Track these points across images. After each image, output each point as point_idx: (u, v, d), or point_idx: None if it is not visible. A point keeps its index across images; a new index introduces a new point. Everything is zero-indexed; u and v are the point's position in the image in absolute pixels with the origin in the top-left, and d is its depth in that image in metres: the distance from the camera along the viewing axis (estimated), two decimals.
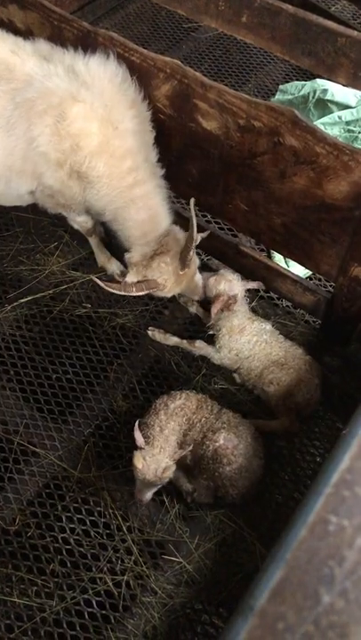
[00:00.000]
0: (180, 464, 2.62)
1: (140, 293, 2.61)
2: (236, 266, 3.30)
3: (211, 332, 3.08)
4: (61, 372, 3.13)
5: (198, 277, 2.93)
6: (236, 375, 3.06)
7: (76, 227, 3.17)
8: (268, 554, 1.67)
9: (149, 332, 3.22)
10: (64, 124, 2.44)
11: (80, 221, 3.09)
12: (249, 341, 2.97)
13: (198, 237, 2.72)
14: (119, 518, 2.67)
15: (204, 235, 2.85)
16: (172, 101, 2.73)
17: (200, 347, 3.10)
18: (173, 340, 3.17)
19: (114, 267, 3.41)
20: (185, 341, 3.14)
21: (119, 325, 3.29)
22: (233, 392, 3.05)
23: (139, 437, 2.50)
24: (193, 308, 3.32)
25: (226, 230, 3.69)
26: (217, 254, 3.41)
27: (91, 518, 2.69)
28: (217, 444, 2.56)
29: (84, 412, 3.01)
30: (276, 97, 4.17)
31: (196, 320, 3.32)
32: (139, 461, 2.44)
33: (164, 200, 2.73)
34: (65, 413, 3.00)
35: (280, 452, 2.85)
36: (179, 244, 2.66)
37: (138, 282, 2.62)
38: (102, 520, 2.68)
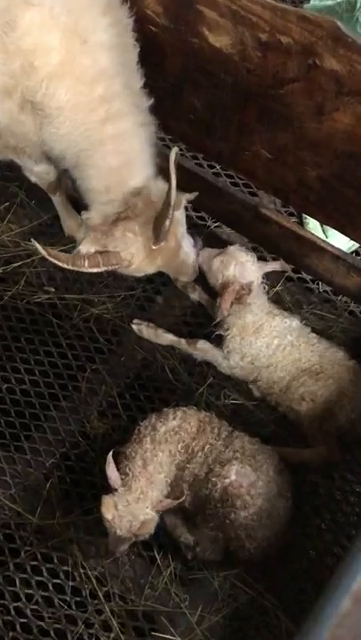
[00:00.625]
0: (177, 508, 2.62)
1: (95, 270, 2.59)
2: (254, 235, 3.29)
3: (218, 332, 3.07)
4: (14, 382, 3.12)
5: (186, 253, 2.92)
6: (253, 387, 3.07)
7: (33, 180, 3.16)
8: (298, 631, 1.67)
9: (135, 327, 3.22)
10: (13, 36, 2.42)
11: (39, 172, 3.08)
12: (268, 345, 2.97)
13: (183, 200, 2.70)
14: (93, 581, 2.66)
15: (191, 197, 2.83)
16: (166, 7, 2.72)
17: (203, 349, 3.10)
18: (168, 339, 3.17)
19: None
20: (183, 340, 3.14)
21: (94, 317, 3.27)
22: (250, 409, 3.04)
23: (112, 474, 2.50)
24: (195, 295, 3.31)
25: (241, 187, 3.66)
26: (229, 220, 3.39)
27: (55, 581, 2.69)
28: (227, 480, 2.55)
29: (46, 435, 3.00)
30: (312, 3, 4.16)
31: (200, 311, 3.30)
32: (108, 510, 2.46)
33: (145, 144, 2.71)
34: (19, 438, 2.99)
35: (315, 491, 2.85)
36: (153, 208, 2.64)
37: (94, 253, 2.62)
38: (70, 583, 2.67)
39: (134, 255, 2.66)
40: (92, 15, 2.53)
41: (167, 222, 2.52)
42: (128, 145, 2.64)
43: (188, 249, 2.93)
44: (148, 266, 2.75)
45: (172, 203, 2.48)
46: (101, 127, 2.58)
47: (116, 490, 2.49)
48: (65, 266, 2.56)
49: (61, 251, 2.77)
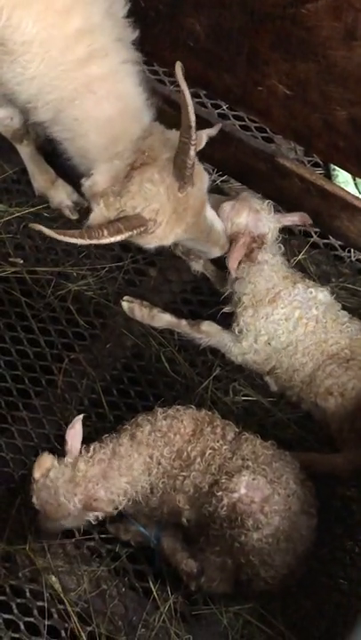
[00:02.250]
0: (175, 528, 2.63)
1: (118, 238, 2.61)
2: (270, 192, 3.27)
3: (227, 309, 3.08)
4: None
5: (212, 214, 2.94)
6: (270, 380, 3.07)
7: None
8: None
9: (125, 306, 3.21)
10: None
11: (0, 118, 3.11)
12: (287, 318, 2.96)
13: (203, 137, 2.70)
14: (75, 619, 2.67)
15: (213, 132, 2.83)
16: None
17: (208, 332, 3.09)
18: (164, 320, 3.17)
19: (62, 194, 3.42)
20: (184, 322, 3.14)
21: (72, 295, 3.30)
22: (266, 407, 3.05)
23: (72, 440, 2.61)
24: (198, 265, 3.32)
25: (254, 131, 3.65)
26: (239, 172, 3.40)
27: (27, 619, 2.70)
28: (235, 495, 2.55)
29: (14, 441, 3.01)
30: None
31: (203, 285, 3.30)
32: (39, 469, 2.56)
33: (139, 84, 2.73)
34: None
35: (346, 507, 2.85)
36: (169, 148, 2.66)
37: (110, 222, 2.63)
38: (46, 622, 2.69)
39: (159, 211, 2.65)
40: None
41: (192, 155, 2.54)
42: (122, 87, 2.66)
43: (211, 210, 2.94)
44: (176, 224, 2.74)
45: (194, 126, 2.47)
46: (84, 68, 2.59)
47: (63, 456, 2.59)
48: (81, 241, 2.58)
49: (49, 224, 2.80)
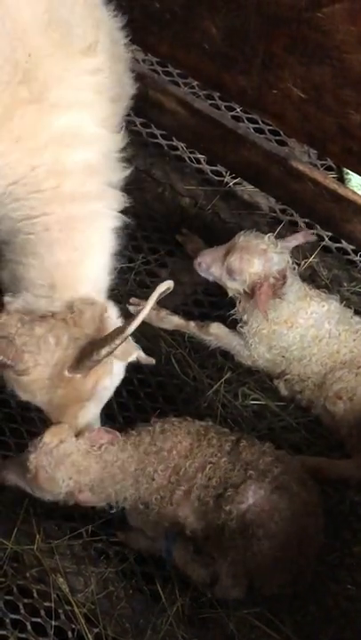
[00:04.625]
0: (186, 539, 2.64)
1: None
2: (283, 195, 3.27)
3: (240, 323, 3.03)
4: None
5: (90, 417, 2.71)
6: (280, 383, 3.07)
7: None
8: None
9: (132, 309, 3.18)
10: None
11: None
12: (302, 337, 2.97)
13: (134, 353, 2.62)
14: (82, 621, 2.66)
15: (150, 361, 2.71)
16: None
17: (218, 334, 3.10)
18: (174, 322, 3.17)
19: None
20: (193, 324, 3.14)
21: None
22: (275, 411, 3.04)
23: (102, 431, 2.63)
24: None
25: (268, 134, 3.64)
26: (252, 175, 3.39)
27: (34, 620, 2.70)
28: (243, 506, 2.54)
29: (24, 442, 2.95)
30: None
31: (213, 287, 3.27)
32: (54, 436, 2.52)
33: (109, 239, 2.62)
34: None
35: (354, 512, 2.85)
36: (96, 329, 2.53)
37: None
38: (53, 623, 2.68)
39: (38, 366, 2.52)
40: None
41: (102, 354, 2.39)
42: (84, 237, 2.56)
43: (93, 415, 2.74)
44: (40, 388, 2.58)
45: (126, 336, 2.37)
46: (45, 207, 2.48)
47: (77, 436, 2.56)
48: None
49: None
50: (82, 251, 2.55)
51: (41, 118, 2.39)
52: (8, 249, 2.61)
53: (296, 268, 3.03)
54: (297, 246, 3.04)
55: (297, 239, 3.01)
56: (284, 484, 2.58)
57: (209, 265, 2.94)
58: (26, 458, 2.53)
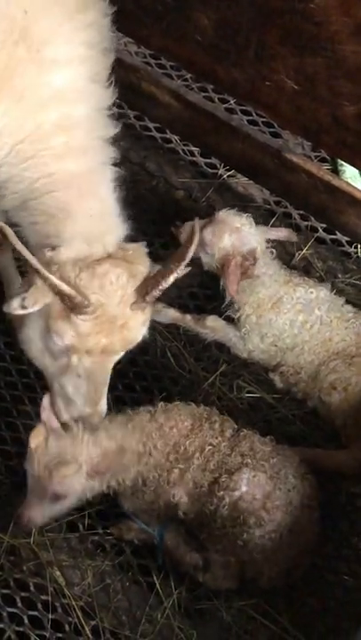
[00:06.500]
0: (178, 522, 2.63)
1: (63, 288, 2.40)
2: (277, 187, 3.27)
3: (230, 313, 3.07)
4: None
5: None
6: (275, 376, 3.08)
7: None
8: None
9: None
10: None
11: None
12: (291, 323, 2.97)
13: (190, 251, 2.54)
14: (79, 613, 2.67)
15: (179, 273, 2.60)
16: None
17: (214, 327, 3.10)
18: (169, 315, 3.17)
19: None
20: (189, 317, 3.15)
21: None
22: (271, 403, 3.04)
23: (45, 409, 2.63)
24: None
25: (262, 126, 3.64)
26: (246, 167, 3.38)
27: (31, 613, 2.70)
28: (237, 493, 2.55)
29: (20, 435, 3.02)
30: None
31: (209, 280, 3.28)
32: (36, 438, 2.52)
33: (113, 191, 2.64)
34: None
35: (351, 503, 2.85)
36: (145, 265, 2.60)
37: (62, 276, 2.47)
38: (50, 616, 2.68)
39: (104, 305, 2.51)
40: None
41: (169, 281, 2.46)
42: (103, 189, 2.61)
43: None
44: (99, 333, 2.55)
45: (186, 261, 2.45)
46: (59, 163, 2.50)
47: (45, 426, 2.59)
48: (39, 267, 2.39)
49: None
50: (105, 202, 2.61)
51: (41, 75, 2.41)
52: (30, 218, 2.61)
53: (273, 252, 3.06)
54: (271, 243, 3.06)
55: (279, 233, 3.06)
56: (279, 475, 2.59)
57: (189, 234, 2.95)
58: (31, 474, 2.55)
